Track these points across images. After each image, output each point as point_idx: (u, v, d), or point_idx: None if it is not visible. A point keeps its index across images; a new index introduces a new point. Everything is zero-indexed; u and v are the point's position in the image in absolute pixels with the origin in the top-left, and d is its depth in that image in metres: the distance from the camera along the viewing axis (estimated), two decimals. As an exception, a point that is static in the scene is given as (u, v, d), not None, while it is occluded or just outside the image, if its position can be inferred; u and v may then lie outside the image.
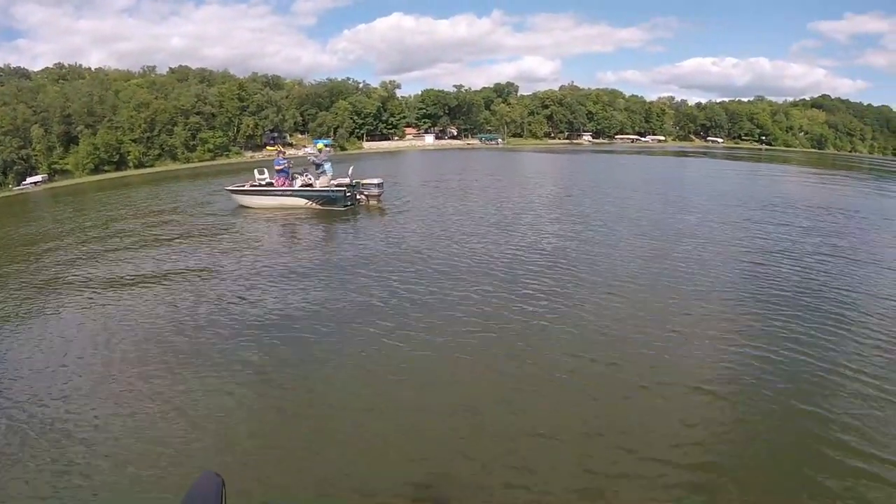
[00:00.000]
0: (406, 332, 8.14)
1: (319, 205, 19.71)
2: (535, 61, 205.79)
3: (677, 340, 7.72)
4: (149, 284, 11.51)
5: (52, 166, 61.08)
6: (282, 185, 20.38)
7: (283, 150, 29.55)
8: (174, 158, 69.51)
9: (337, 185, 19.92)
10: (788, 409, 5.88)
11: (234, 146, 76.19)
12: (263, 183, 21.52)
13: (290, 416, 6.06)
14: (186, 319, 9.10)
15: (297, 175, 20.80)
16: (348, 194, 19.73)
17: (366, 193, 20.57)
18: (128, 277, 12.10)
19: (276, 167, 20.51)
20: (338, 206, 19.46)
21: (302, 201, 20.02)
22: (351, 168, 21.63)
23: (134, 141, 66.41)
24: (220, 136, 73.75)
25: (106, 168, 63.57)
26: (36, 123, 60.23)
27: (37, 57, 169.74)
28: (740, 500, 4.65)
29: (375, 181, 20.88)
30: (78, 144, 63.18)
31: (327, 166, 20.32)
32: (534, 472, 4.96)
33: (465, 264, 11.64)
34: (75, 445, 5.55)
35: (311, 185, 20.22)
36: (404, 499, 4.66)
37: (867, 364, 6.79)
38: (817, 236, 14.90)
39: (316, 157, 20.71)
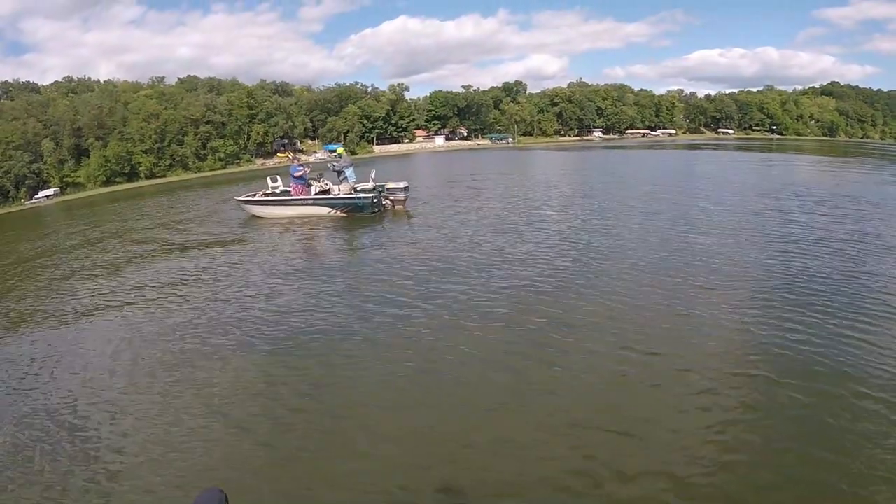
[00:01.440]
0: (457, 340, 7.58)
1: (345, 213, 18.35)
2: (542, 59, 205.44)
3: (703, 332, 7.41)
4: (162, 296, 10.91)
5: (64, 179, 60.71)
6: (300, 194, 18.94)
7: (298, 156, 26.51)
8: (185, 168, 69.07)
9: (361, 191, 18.72)
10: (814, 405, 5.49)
11: (244, 154, 75.68)
12: (278, 191, 20.19)
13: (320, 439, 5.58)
14: (203, 334, 8.53)
15: (312, 181, 19.26)
16: (375, 200, 18.45)
17: (392, 198, 19.14)
18: (142, 290, 11.57)
19: (294, 174, 19.06)
20: (365, 214, 18.21)
21: (325, 210, 18.51)
22: (374, 172, 20.14)
23: (145, 152, 65.99)
24: (230, 145, 73.34)
25: (118, 180, 63.10)
26: (46, 137, 59.91)
27: (46, 71, 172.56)
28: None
29: (402, 185, 19.46)
30: (89, 157, 62.85)
31: (349, 172, 18.83)
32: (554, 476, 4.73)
33: (500, 269, 10.93)
34: (76, 460, 5.38)
35: (327, 191, 18.91)
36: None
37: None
38: (842, 225, 13.98)
39: (336, 163, 19.12)
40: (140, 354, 7.83)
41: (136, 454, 5.35)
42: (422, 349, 7.26)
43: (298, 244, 15.81)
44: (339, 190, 18.70)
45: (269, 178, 21.16)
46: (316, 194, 18.85)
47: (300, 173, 19.03)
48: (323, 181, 19.32)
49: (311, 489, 4.77)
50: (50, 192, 57.23)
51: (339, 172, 18.77)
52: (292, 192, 19.20)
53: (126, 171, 64.43)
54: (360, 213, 18.21)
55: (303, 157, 71.84)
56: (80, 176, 61.96)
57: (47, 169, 59.66)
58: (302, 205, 18.73)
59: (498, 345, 7.33)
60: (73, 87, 73.68)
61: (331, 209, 18.44)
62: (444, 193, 24.37)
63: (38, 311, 10.91)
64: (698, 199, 19.54)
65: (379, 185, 19.32)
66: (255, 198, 19.89)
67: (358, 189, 18.84)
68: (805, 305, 8.05)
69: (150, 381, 6.92)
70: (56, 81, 76.71)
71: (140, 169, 65.56)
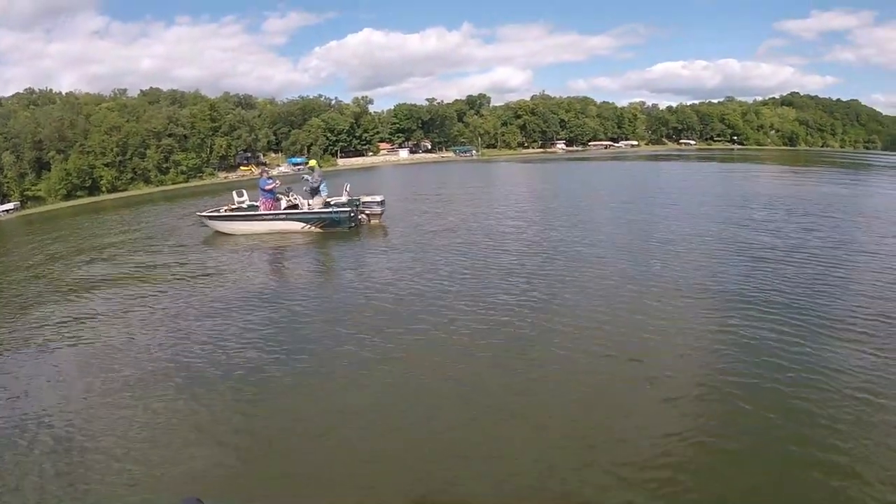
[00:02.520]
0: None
1: (320, 227, 17.78)
2: (506, 72, 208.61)
3: (663, 340, 7.71)
4: (119, 319, 10.54)
5: (25, 193, 61.07)
6: (269, 208, 18.21)
7: (267, 169, 25.20)
8: (147, 182, 69.85)
9: (336, 205, 18.30)
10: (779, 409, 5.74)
11: (207, 167, 76.67)
12: (245, 206, 19.44)
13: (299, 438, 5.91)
14: (163, 360, 8.32)
15: (280, 196, 18.72)
16: (352, 214, 17.95)
17: (367, 212, 18.58)
18: (95, 317, 10.95)
19: (263, 188, 18.22)
20: (342, 228, 17.72)
21: (298, 225, 17.90)
22: (348, 185, 19.73)
23: (106, 165, 66.59)
24: (193, 158, 74.17)
25: (79, 193, 63.64)
26: (7, 150, 60.46)
27: (8, 83, 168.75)
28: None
29: (378, 199, 18.92)
30: (50, 170, 63.36)
31: (322, 185, 18.21)
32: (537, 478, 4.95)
33: (480, 282, 11.17)
34: (48, 477, 5.44)
35: (296, 206, 18.41)
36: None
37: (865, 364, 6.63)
38: (801, 233, 14.88)
39: (310, 176, 18.43)
40: (97, 378, 7.64)
41: (109, 469, 5.41)
42: (400, 369, 7.22)
43: (270, 262, 15.18)
44: (310, 205, 18.12)
45: (234, 193, 20.39)
46: (285, 209, 18.38)
47: (270, 186, 18.40)
48: (292, 195, 18.93)
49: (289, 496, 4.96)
50: (10, 206, 57.60)
51: (314, 190, 18.17)
52: (261, 207, 18.41)
53: (87, 184, 65.06)
54: (336, 228, 17.74)
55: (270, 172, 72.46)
56: (40, 189, 62.43)
57: (7, 182, 60.20)
58: (274, 220, 18.11)
59: (486, 356, 7.45)
60: (34, 99, 74.16)
61: (305, 224, 17.89)
62: (415, 208, 24.16)
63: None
64: (670, 210, 20.04)
65: (354, 199, 18.88)
66: (220, 213, 19.21)
67: (332, 203, 18.44)
68: (774, 309, 8.45)
69: (111, 401, 6.92)
70: (17, 93, 76.95)
71: (101, 182, 66.19)
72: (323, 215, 17.80)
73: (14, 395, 7.31)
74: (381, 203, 18.93)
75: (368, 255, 14.77)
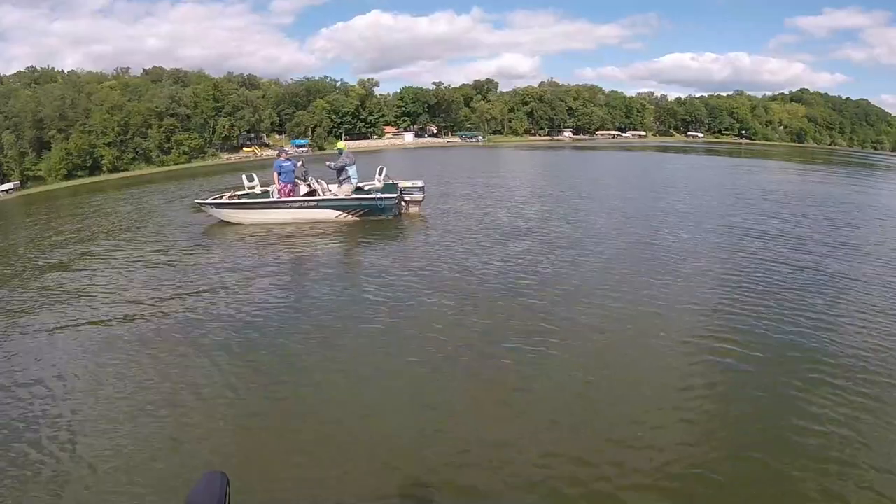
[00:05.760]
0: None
1: (358, 216, 15.88)
2: (514, 58, 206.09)
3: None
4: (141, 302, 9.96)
5: (25, 173, 60.78)
6: (287, 194, 16.11)
7: (285, 149, 22.38)
8: (149, 162, 69.31)
9: (372, 190, 16.60)
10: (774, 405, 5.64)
11: (210, 148, 76.08)
12: (258, 192, 17.33)
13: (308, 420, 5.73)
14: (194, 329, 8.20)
15: (298, 181, 16.59)
16: (398, 202, 16.19)
17: (408, 199, 16.74)
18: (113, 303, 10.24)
19: (281, 170, 16.05)
20: (386, 216, 15.91)
21: (332, 213, 15.88)
22: (384, 169, 17.71)
23: (107, 145, 65.98)
24: (195, 138, 73.50)
25: (79, 173, 63.23)
26: (7, 129, 59.87)
27: (11, 61, 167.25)
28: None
29: (419, 184, 16.97)
30: (50, 150, 62.90)
31: (352, 171, 16.11)
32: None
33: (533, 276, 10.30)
34: (63, 456, 5.29)
35: (314, 192, 16.54)
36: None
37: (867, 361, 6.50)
38: (809, 231, 14.48)
39: (334, 162, 16.23)
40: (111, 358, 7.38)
41: (130, 445, 5.34)
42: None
43: (303, 253, 13.21)
44: (333, 191, 16.45)
45: (244, 177, 18.17)
46: (304, 195, 16.39)
47: (289, 169, 16.18)
48: (311, 179, 16.92)
49: (315, 475, 4.79)
50: (10, 185, 57.20)
51: (340, 171, 16.12)
52: (279, 193, 16.22)
53: (88, 164, 64.59)
54: (378, 217, 15.89)
55: (266, 153, 71.61)
56: (41, 169, 62.08)
57: (7, 162, 59.80)
58: (301, 207, 15.96)
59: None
60: (36, 78, 72.78)
61: (340, 212, 15.91)
62: (434, 193, 21.18)
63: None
64: (691, 210, 18.34)
65: (391, 184, 17.10)
66: (226, 199, 16.94)
67: (366, 189, 16.69)
68: (777, 302, 8.37)
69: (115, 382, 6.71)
70: (19, 71, 75.96)
71: (103, 162, 65.65)
72: (364, 202, 15.84)
73: (27, 378, 7.00)
74: (422, 189, 16.97)
75: (425, 247, 12.98)
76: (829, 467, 4.58)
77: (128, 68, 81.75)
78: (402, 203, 16.55)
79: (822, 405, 5.46)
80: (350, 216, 15.88)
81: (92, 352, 7.67)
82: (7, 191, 56.17)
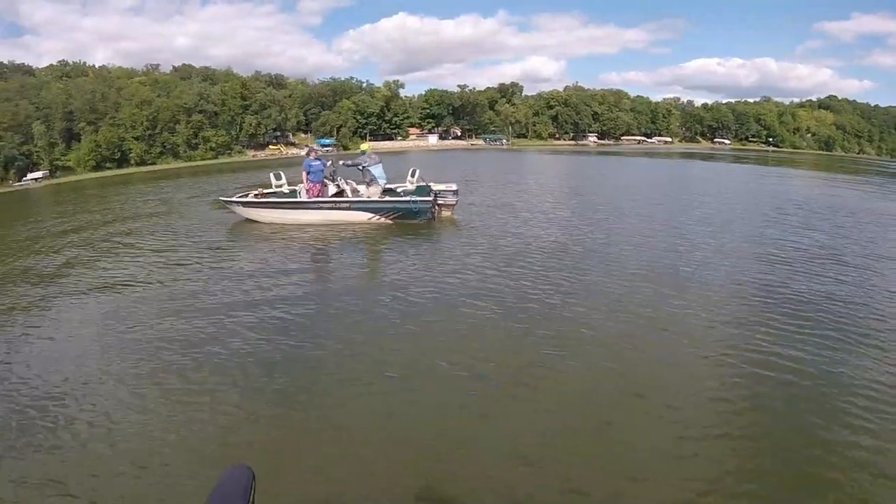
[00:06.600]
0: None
1: (392, 219, 15.58)
2: (539, 62, 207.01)
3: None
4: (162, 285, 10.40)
5: (54, 163, 60.87)
6: (316, 195, 15.84)
7: (315, 148, 21.85)
8: (176, 156, 69.28)
9: (403, 192, 16.36)
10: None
11: (236, 145, 75.99)
12: (285, 191, 17.21)
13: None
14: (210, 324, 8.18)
15: (327, 181, 16.30)
16: (431, 205, 15.84)
17: (441, 202, 16.45)
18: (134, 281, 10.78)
19: (310, 169, 15.71)
20: (420, 220, 15.57)
21: (364, 215, 15.56)
22: (417, 171, 17.14)
23: (136, 138, 66.20)
24: (222, 135, 73.53)
25: (108, 165, 63.31)
26: (38, 120, 60.12)
27: (42, 55, 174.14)
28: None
29: (452, 187, 16.70)
30: (80, 141, 63.18)
31: (377, 171, 15.73)
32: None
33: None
34: (89, 443, 5.29)
35: (342, 192, 16.31)
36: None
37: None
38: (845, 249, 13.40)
39: (362, 162, 15.77)
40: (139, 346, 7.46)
41: (155, 435, 5.31)
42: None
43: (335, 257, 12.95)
44: (362, 192, 16.21)
45: (272, 175, 18.01)
46: (332, 195, 16.18)
47: (319, 169, 15.90)
48: (340, 180, 16.64)
49: (339, 471, 4.74)
50: (39, 174, 57.32)
51: (364, 171, 15.89)
52: (308, 193, 16.03)
53: (116, 157, 64.69)
54: (411, 220, 15.54)
55: (292, 151, 72.02)
56: (70, 160, 62.24)
57: (38, 151, 59.86)
58: (333, 208, 15.72)
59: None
60: (67, 72, 73.86)
61: (372, 214, 15.57)
62: (464, 195, 19.91)
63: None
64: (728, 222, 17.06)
65: (422, 186, 16.79)
66: (252, 198, 16.63)
67: (397, 190, 16.51)
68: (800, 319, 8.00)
69: (139, 373, 6.71)
70: (51, 65, 76.90)
71: (130, 155, 65.79)
72: (399, 205, 15.54)
73: (50, 367, 6.95)
74: (456, 192, 16.72)
75: (458, 253, 12.39)
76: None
77: (157, 65, 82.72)
78: (436, 206, 16.36)
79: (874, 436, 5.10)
80: (383, 219, 15.66)
81: (111, 343, 7.64)
82: (36, 179, 56.30)
